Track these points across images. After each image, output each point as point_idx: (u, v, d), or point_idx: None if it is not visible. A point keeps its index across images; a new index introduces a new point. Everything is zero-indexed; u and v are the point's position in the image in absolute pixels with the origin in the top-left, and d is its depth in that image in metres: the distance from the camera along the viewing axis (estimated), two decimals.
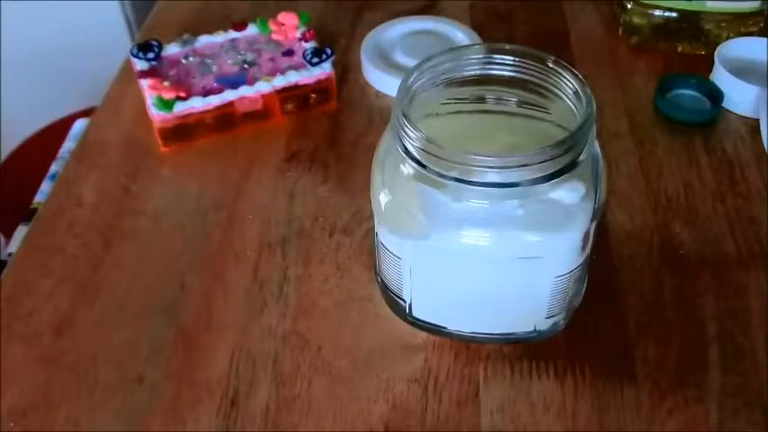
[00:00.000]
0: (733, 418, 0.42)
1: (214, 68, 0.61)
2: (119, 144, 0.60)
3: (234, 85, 0.59)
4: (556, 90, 0.41)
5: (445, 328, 0.45)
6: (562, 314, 0.45)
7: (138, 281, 0.50)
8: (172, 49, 0.63)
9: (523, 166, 0.36)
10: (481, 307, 0.44)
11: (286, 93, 0.60)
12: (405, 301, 0.45)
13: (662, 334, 0.45)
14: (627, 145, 0.58)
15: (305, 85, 0.60)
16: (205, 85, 0.60)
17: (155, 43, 0.62)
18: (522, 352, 0.45)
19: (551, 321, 0.44)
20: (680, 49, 0.67)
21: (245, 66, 0.61)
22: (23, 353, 0.46)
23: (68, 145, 0.92)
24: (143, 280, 0.50)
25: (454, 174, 0.37)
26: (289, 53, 0.63)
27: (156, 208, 0.55)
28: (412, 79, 0.41)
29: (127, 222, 0.54)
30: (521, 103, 0.43)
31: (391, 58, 0.65)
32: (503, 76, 0.42)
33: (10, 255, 0.80)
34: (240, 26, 0.65)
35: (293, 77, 0.59)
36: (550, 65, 0.41)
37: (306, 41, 0.63)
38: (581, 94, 0.39)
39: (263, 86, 0.59)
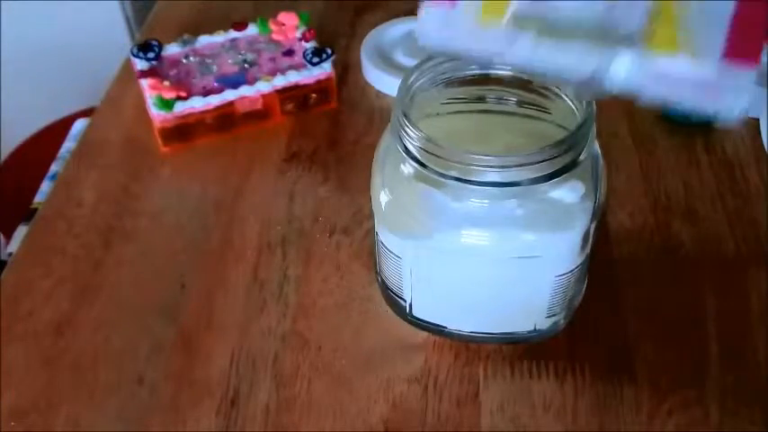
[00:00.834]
0: (733, 419, 0.42)
1: (214, 68, 0.61)
2: (119, 144, 0.60)
3: (234, 85, 0.59)
4: (556, 90, 0.41)
5: (445, 327, 0.45)
6: (562, 313, 0.45)
7: (138, 281, 0.50)
8: (172, 49, 0.63)
9: (523, 165, 0.36)
10: (481, 306, 0.44)
11: (286, 93, 0.60)
12: (405, 301, 0.45)
13: (662, 334, 0.45)
14: (627, 145, 0.58)
15: (305, 85, 0.60)
16: (205, 85, 0.60)
17: (155, 43, 0.62)
18: (522, 352, 0.45)
19: (551, 321, 0.45)
20: None
21: (246, 66, 0.62)
22: (23, 353, 0.46)
23: (68, 145, 0.93)
24: (143, 280, 0.50)
25: (454, 173, 0.37)
26: (289, 53, 0.63)
27: (156, 208, 0.55)
28: (412, 79, 0.41)
29: (127, 222, 0.54)
30: (521, 103, 0.43)
31: (391, 58, 0.65)
32: (503, 75, 0.42)
33: (10, 255, 0.81)
34: (240, 26, 0.65)
35: (293, 77, 0.59)
36: None
37: (306, 41, 0.63)
38: None
39: (264, 86, 0.59)
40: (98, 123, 0.63)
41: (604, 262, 0.49)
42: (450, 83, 0.42)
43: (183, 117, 0.58)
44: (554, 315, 0.44)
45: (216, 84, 0.60)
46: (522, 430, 0.41)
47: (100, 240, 0.52)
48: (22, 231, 0.85)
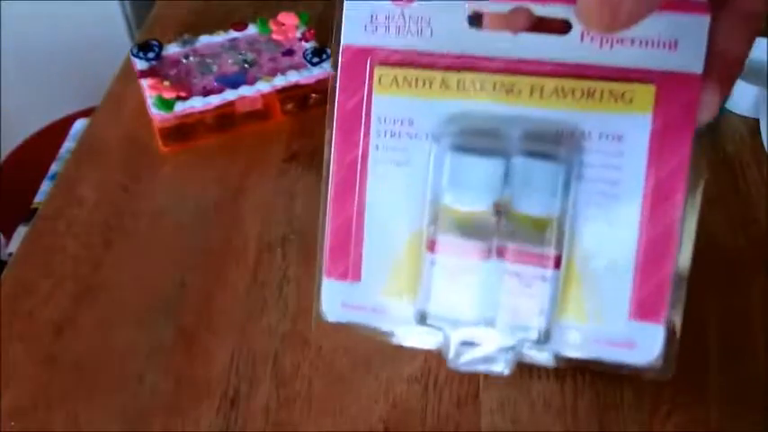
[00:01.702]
0: (733, 419, 0.42)
1: (214, 68, 0.61)
2: (119, 144, 0.60)
3: (234, 84, 0.59)
4: None
5: None
6: None
7: (138, 281, 0.50)
8: (172, 49, 0.63)
9: None
10: None
11: (286, 93, 0.60)
12: None
13: None
14: None
15: (305, 85, 0.60)
16: (205, 85, 0.60)
17: (155, 43, 0.62)
18: None
19: None
20: None
21: (246, 66, 0.62)
22: (23, 353, 0.46)
23: (68, 145, 0.93)
24: (143, 280, 0.50)
25: None
26: (289, 53, 0.63)
27: (156, 208, 0.55)
28: None
29: (127, 222, 0.54)
30: None
31: None
32: None
33: (10, 255, 0.81)
34: (240, 26, 0.65)
35: (293, 77, 0.59)
36: None
37: (306, 41, 0.63)
38: None
39: (264, 86, 0.59)
40: (98, 123, 0.63)
41: None
42: None
43: (183, 117, 0.58)
44: None
45: (216, 84, 0.60)
46: (521, 430, 0.41)
47: (100, 240, 0.52)
48: (22, 231, 0.85)
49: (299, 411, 0.42)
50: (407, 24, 0.27)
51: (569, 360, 0.28)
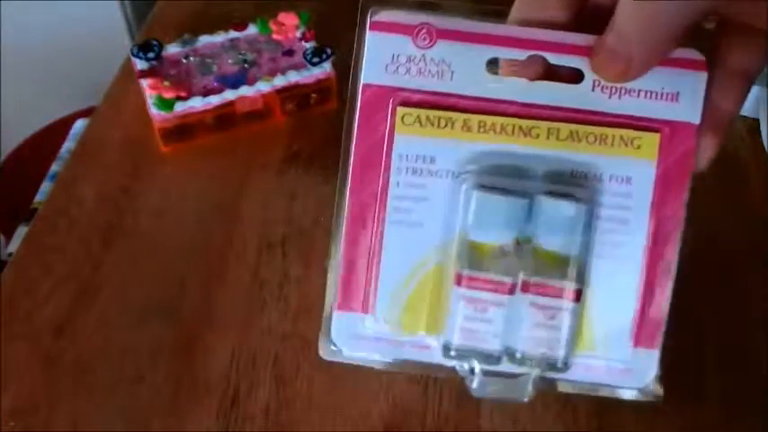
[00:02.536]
0: (733, 420, 0.42)
1: (214, 68, 0.61)
2: (119, 144, 0.60)
3: (234, 84, 0.59)
4: None
5: None
6: None
7: (138, 281, 0.50)
8: (172, 49, 0.63)
9: None
10: None
11: (286, 93, 0.60)
12: None
13: None
14: None
15: (305, 85, 0.60)
16: (205, 85, 0.60)
17: (155, 43, 0.62)
18: None
19: None
20: None
21: (246, 66, 0.62)
22: (23, 353, 0.46)
23: (68, 145, 0.93)
24: (143, 280, 0.50)
25: None
26: (289, 53, 0.63)
27: (157, 207, 0.55)
28: None
29: (127, 222, 0.54)
30: None
31: None
32: None
33: (10, 255, 0.81)
34: (240, 26, 0.65)
35: (293, 77, 0.59)
36: None
37: (306, 41, 0.63)
38: None
39: (264, 86, 0.59)
40: (98, 123, 0.63)
41: None
42: None
43: (183, 117, 0.58)
44: None
45: (216, 84, 0.60)
46: (521, 430, 0.42)
47: (100, 240, 0.52)
48: (22, 231, 0.85)
49: (299, 411, 0.42)
50: (428, 67, 0.29)
51: (575, 386, 0.30)
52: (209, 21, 0.69)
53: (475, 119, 0.29)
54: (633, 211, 0.29)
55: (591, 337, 0.30)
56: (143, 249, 0.52)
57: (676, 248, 0.30)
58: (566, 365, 0.29)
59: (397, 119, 0.30)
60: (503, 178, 0.29)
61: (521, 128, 0.29)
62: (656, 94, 0.29)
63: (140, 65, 0.61)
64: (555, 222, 0.29)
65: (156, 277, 0.50)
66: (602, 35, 0.26)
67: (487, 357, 0.30)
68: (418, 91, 0.29)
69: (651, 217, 0.29)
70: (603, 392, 0.30)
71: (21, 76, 1.17)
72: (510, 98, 0.29)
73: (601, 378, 0.30)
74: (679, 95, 0.28)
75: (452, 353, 0.30)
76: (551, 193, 0.29)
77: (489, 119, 0.29)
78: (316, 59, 0.60)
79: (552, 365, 0.29)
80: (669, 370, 0.44)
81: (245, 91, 0.58)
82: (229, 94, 0.58)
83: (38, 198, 0.90)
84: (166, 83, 0.58)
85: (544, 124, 0.29)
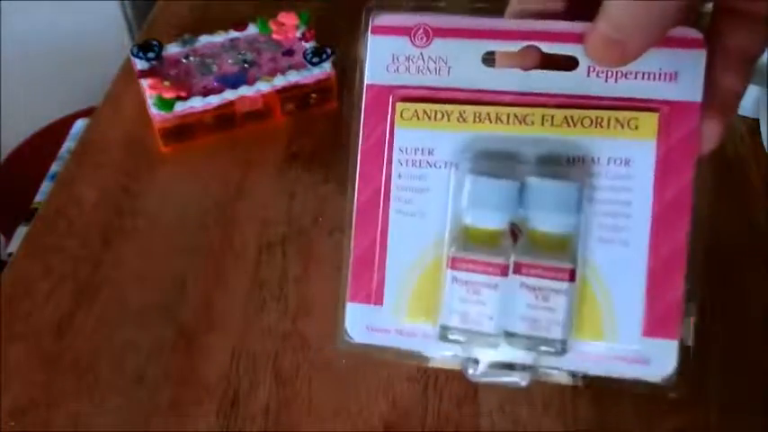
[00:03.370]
0: (733, 419, 0.42)
1: (214, 68, 0.61)
2: (119, 144, 0.60)
3: (234, 84, 0.59)
4: None
5: None
6: None
7: (138, 281, 0.50)
8: (172, 49, 0.63)
9: None
10: None
11: (286, 93, 0.60)
12: None
13: None
14: None
15: (305, 85, 0.60)
16: (205, 85, 0.60)
17: (155, 43, 0.62)
18: None
19: None
20: None
21: (246, 65, 0.62)
22: (23, 353, 0.46)
23: (68, 145, 0.93)
24: (143, 280, 0.50)
25: None
26: (289, 53, 0.63)
27: (157, 207, 0.55)
28: None
29: (127, 222, 0.54)
30: None
31: None
32: None
33: (10, 255, 0.81)
34: (240, 26, 0.65)
35: (293, 77, 0.59)
36: None
37: (306, 41, 0.63)
38: None
39: (264, 86, 0.59)
40: (98, 123, 0.63)
41: None
42: None
43: (183, 117, 0.58)
44: None
45: (216, 84, 0.60)
46: (521, 430, 0.41)
47: (100, 240, 0.52)
48: (22, 231, 0.85)
49: (298, 411, 0.42)
50: (426, 64, 0.30)
51: (585, 378, 0.30)
52: (209, 21, 0.69)
53: (470, 109, 0.30)
54: (634, 193, 0.29)
55: (598, 325, 0.29)
56: (143, 249, 0.52)
57: (685, 233, 0.30)
58: (563, 349, 0.29)
59: (397, 114, 0.30)
60: (496, 161, 0.29)
61: (515, 116, 0.29)
62: (654, 75, 0.28)
63: (140, 65, 0.61)
64: (545, 201, 0.29)
65: (156, 277, 0.50)
66: (594, 21, 0.26)
67: (484, 340, 0.29)
68: (418, 87, 0.30)
69: (654, 199, 0.29)
70: (619, 384, 0.29)
71: (21, 76, 1.17)
72: (506, 89, 0.29)
73: (611, 369, 0.29)
74: (678, 74, 0.28)
75: (449, 335, 0.30)
76: (543, 174, 0.29)
77: (484, 108, 0.30)
78: (316, 59, 0.60)
79: (549, 348, 0.29)
80: None
81: (245, 91, 0.58)
82: (229, 94, 0.58)
83: (38, 198, 0.90)
84: (166, 83, 0.58)
85: (539, 111, 0.29)
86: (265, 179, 0.56)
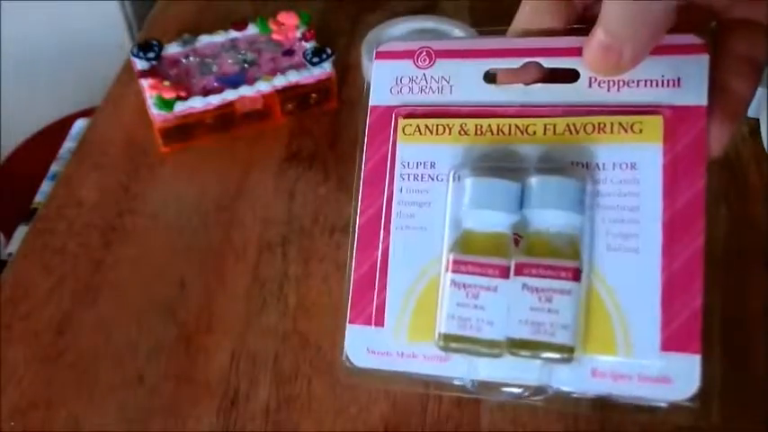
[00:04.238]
0: (733, 418, 0.42)
1: (214, 68, 0.61)
2: (119, 144, 0.60)
3: (234, 84, 0.59)
4: None
5: None
6: None
7: (138, 281, 0.50)
8: (172, 49, 0.63)
9: None
10: None
11: (286, 92, 0.60)
12: None
13: None
14: None
15: (305, 85, 0.60)
16: (205, 85, 0.60)
17: (155, 43, 0.62)
18: None
19: None
20: None
21: (246, 65, 0.62)
22: (23, 353, 0.46)
23: (68, 145, 0.93)
24: (143, 280, 0.50)
25: None
26: (289, 53, 0.63)
27: (157, 208, 0.55)
28: None
29: (127, 222, 0.54)
30: None
31: None
32: None
33: (10, 255, 0.81)
34: (240, 26, 0.65)
35: (293, 77, 0.59)
36: None
37: (306, 41, 0.63)
38: None
39: (264, 86, 0.59)
40: (98, 123, 0.63)
41: None
42: None
43: (183, 117, 0.58)
44: None
45: (216, 84, 0.60)
46: (521, 430, 0.41)
47: (100, 240, 0.52)
48: (22, 231, 0.85)
49: (298, 411, 0.42)
50: (429, 84, 0.31)
51: (599, 397, 0.28)
52: (209, 21, 0.69)
53: (471, 122, 0.30)
54: (642, 198, 0.28)
55: (610, 337, 0.27)
56: (143, 249, 0.52)
57: (701, 239, 0.28)
58: (570, 356, 0.27)
59: (399, 130, 0.31)
60: (497, 168, 0.29)
61: (517, 126, 0.29)
62: (657, 82, 0.28)
63: (140, 65, 0.61)
64: (547, 198, 0.28)
65: (156, 277, 0.50)
66: (591, 32, 0.26)
67: (485, 349, 0.28)
68: (420, 105, 0.31)
69: (664, 205, 0.28)
70: (637, 406, 0.28)
71: (21, 76, 1.17)
72: (508, 103, 0.30)
73: (629, 390, 0.28)
74: (681, 80, 0.28)
75: (449, 345, 0.28)
76: (544, 172, 0.28)
77: (485, 121, 0.29)
78: (316, 59, 0.60)
79: (554, 354, 0.27)
80: None
81: (245, 91, 0.58)
82: (229, 94, 0.58)
83: (38, 198, 0.90)
84: (166, 83, 0.58)
85: (540, 121, 0.29)
86: (265, 179, 0.56)
